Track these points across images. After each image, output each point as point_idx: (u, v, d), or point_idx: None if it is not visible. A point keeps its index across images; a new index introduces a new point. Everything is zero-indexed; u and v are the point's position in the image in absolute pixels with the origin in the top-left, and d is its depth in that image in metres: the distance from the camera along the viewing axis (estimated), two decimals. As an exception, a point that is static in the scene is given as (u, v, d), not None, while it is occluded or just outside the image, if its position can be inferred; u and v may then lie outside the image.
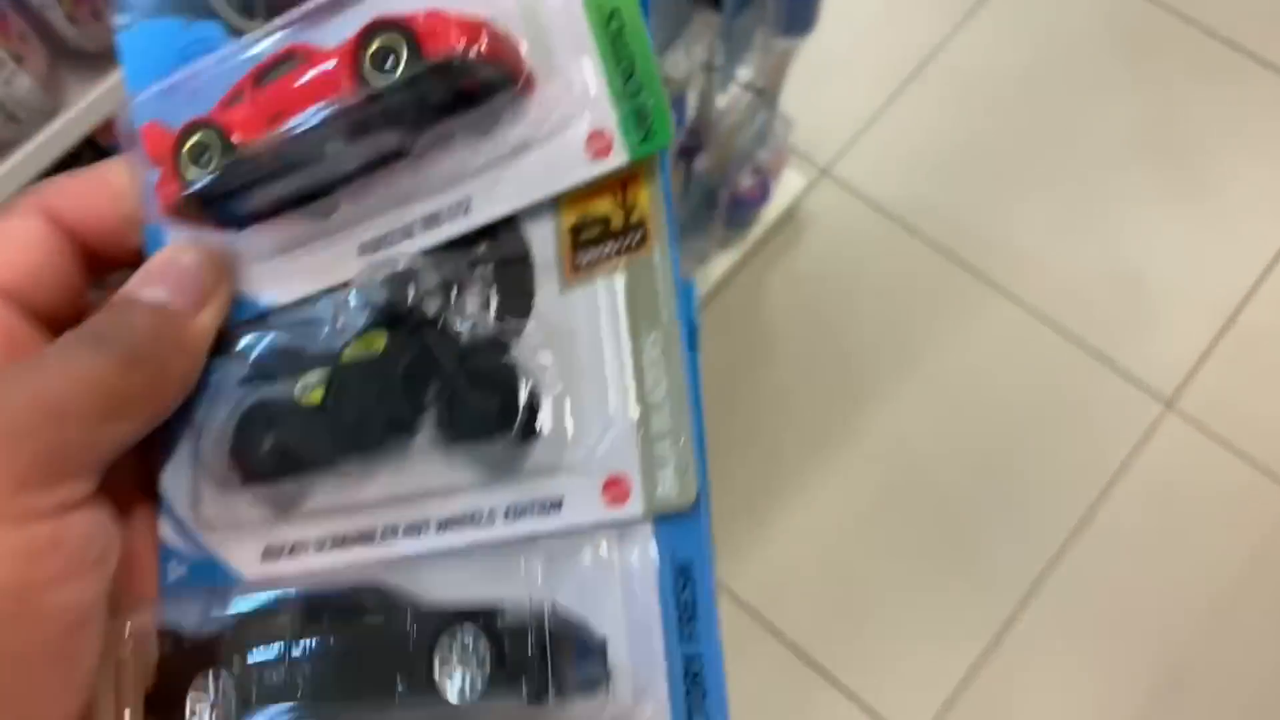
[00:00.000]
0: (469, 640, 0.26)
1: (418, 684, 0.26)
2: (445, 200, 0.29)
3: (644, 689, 0.26)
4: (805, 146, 1.58)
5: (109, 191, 0.31)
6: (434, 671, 0.26)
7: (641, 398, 0.27)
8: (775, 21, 1.20)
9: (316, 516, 0.30)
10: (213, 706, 0.27)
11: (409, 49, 0.27)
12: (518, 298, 0.29)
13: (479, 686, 0.26)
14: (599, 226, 0.28)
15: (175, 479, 0.31)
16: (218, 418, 0.30)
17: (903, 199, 1.60)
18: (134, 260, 0.31)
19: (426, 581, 0.28)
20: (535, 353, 0.28)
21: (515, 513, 0.28)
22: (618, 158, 0.28)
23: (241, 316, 0.31)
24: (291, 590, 0.29)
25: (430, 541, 0.28)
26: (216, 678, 0.27)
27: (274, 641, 0.27)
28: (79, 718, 0.26)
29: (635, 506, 0.27)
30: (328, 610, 0.28)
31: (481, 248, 0.29)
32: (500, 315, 0.29)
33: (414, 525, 0.29)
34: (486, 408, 0.28)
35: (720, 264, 1.52)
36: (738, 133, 1.35)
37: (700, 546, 0.27)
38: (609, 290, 0.28)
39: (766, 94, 1.37)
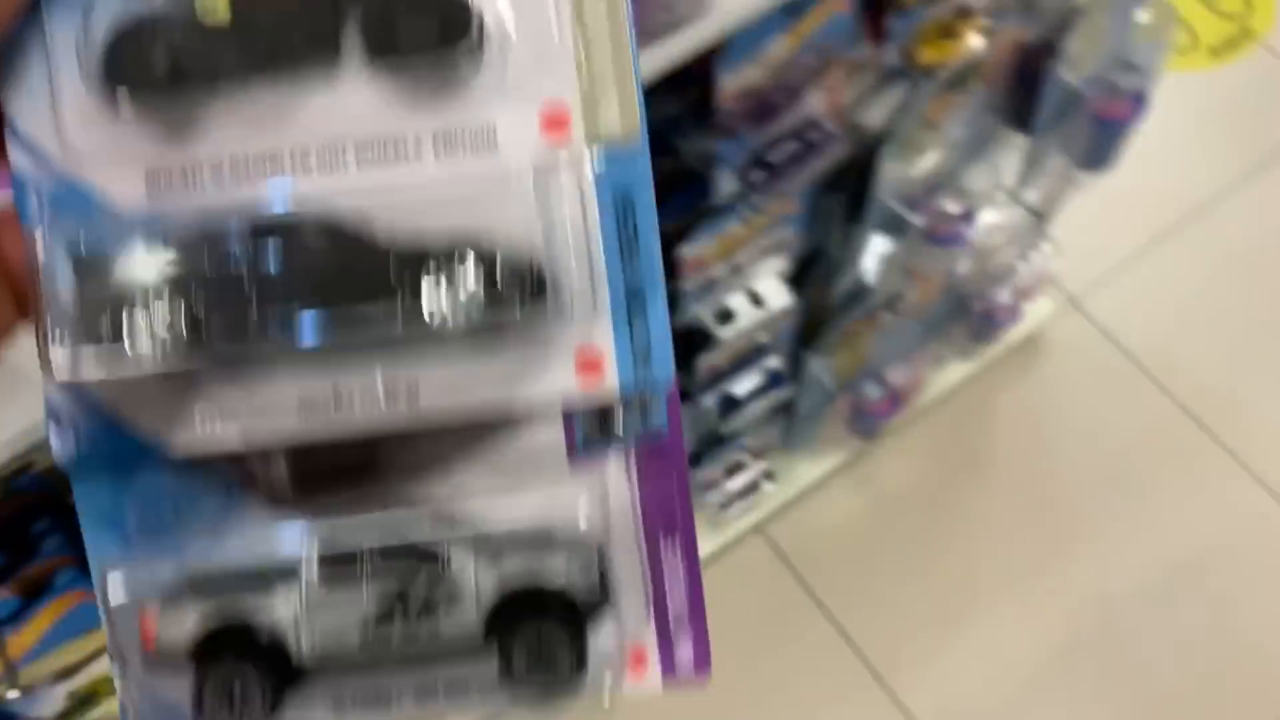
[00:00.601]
0: (460, 263, 0.27)
1: (404, 306, 0.26)
2: None
3: (589, 311, 0.28)
4: (1058, 273, 1.56)
5: None
6: (423, 290, 0.27)
7: (582, 29, 0.27)
8: (1077, 155, 1.21)
9: (208, 140, 0.28)
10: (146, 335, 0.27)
11: None
12: None
13: (476, 304, 0.26)
14: None
15: (26, 99, 0.28)
16: (80, 28, 0.27)
17: (1150, 347, 1.56)
18: None
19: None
20: None
21: (446, 143, 0.27)
22: None
23: None
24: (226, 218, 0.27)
25: (350, 176, 0.27)
26: (149, 304, 0.27)
27: (226, 258, 0.27)
28: None
29: (577, 141, 0.27)
30: (281, 231, 0.27)
31: None
32: None
33: (329, 147, 0.27)
34: (427, 19, 0.27)
35: (953, 372, 1.51)
36: (1004, 249, 1.35)
37: (643, 179, 0.27)
38: None
39: (1042, 217, 1.37)
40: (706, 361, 1.17)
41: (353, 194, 0.27)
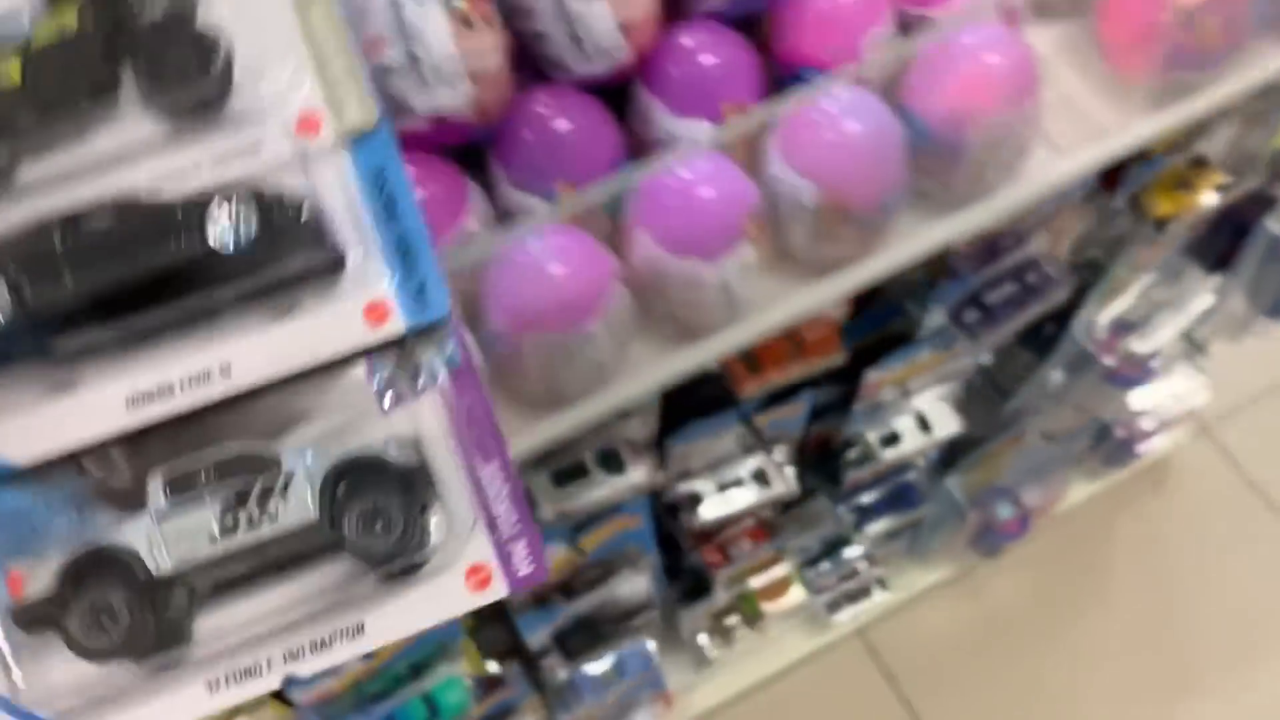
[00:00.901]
0: (236, 204, 0.32)
1: (193, 240, 0.31)
2: None
3: (366, 264, 0.33)
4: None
5: None
6: (207, 228, 0.31)
7: (315, 51, 0.33)
8: (1264, 301, 1.15)
9: (30, 196, 0.32)
10: None
11: None
12: None
13: (250, 235, 0.31)
14: None
15: None
16: None
17: (1280, 485, 1.50)
18: None
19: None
20: (215, 21, 0.33)
21: (216, 162, 0.33)
22: None
23: None
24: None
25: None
26: None
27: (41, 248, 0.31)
28: None
29: (328, 135, 0.33)
30: (81, 219, 0.31)
31: None
32: None
33: (122, 191, 0.32)
34: (185, 57, 0.32)
35: (1077, 490, 1.45)
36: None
37: (389, 153, 0.33)
38: None
39: (1200, 350, 1.31)
40: (854, 475, 1.12)
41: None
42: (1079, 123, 0.71)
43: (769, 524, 1.14)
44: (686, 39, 0.66)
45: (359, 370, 0.34)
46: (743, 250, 0.61)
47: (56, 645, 0.32)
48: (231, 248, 0.32)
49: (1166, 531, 1.48)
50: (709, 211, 0.61)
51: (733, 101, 0.65)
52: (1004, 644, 1.42)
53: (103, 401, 0.32)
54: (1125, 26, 0.70)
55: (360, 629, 0.33)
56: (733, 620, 1.31)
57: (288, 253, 0.33)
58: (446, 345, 0.34)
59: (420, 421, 0.34)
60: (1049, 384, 1.11)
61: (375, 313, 0.33)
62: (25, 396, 0.32)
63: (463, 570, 0.34)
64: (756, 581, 1.25)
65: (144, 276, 0.32)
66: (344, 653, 0.33)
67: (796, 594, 1.30)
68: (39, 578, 0.32)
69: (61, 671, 0.32)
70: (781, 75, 0.68)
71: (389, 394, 0.34)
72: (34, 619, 0.31)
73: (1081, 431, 1.27)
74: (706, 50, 0.65)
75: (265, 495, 0.32)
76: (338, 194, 0.34)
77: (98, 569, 0.32)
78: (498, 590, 0.34)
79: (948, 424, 1.07)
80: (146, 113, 0.33)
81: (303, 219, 0.33)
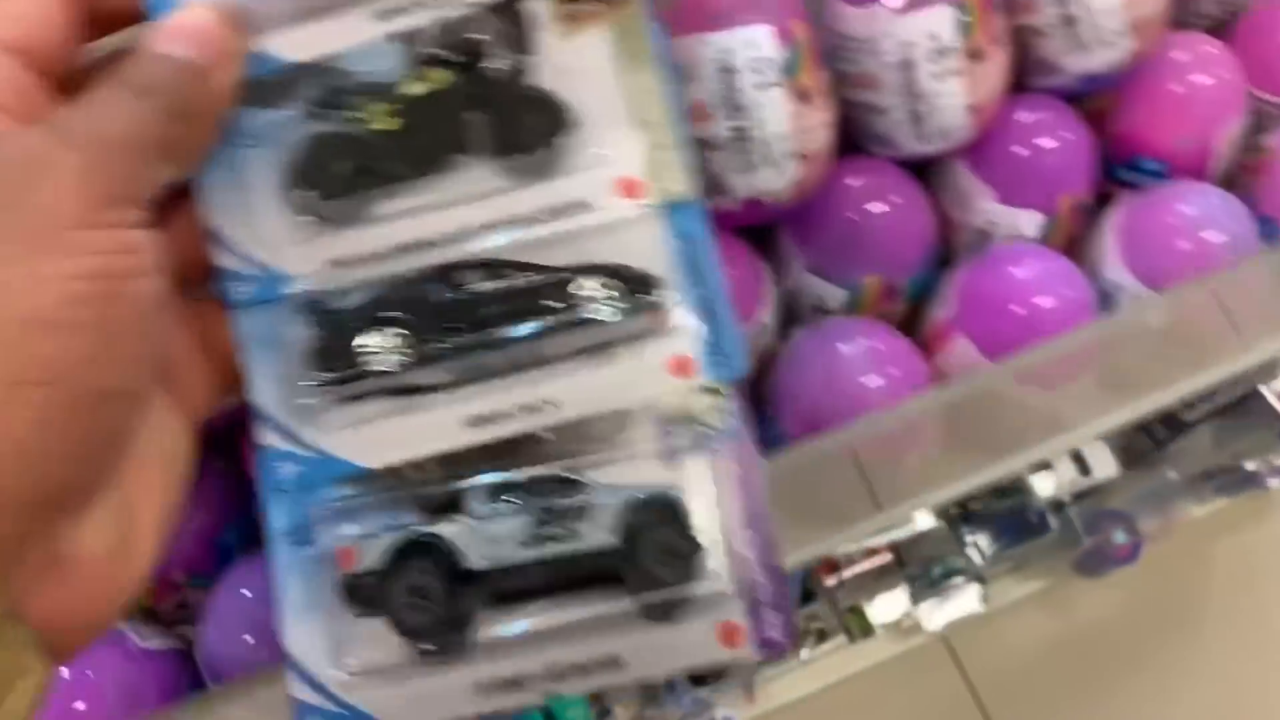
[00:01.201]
0: (599, 279, 0.36)
1: (565, 308, 0.36)
2: None
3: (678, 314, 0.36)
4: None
5: None
6: (577, 299, 0.36)
7: (641, 118, 0.36)
8: None
9: (374, 229, 0.36)
10: (387, 354, 0.36)
11: None
12: (523, 43, 0.37)
13: (619, 307, 0.36)
14: None
15: (227, 212, 0.36)
16: (272, 151, 0.36)
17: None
18: (132, 18, 0.35)
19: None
20: (546, 85, 0.37)
21: (548, 213, 0.36)
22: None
23: (261, 72, 0.36)
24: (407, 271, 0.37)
25: (481, 242, 0.36)
26: (386, 328, 0.36)
27: (426, 294, 0.36)
28: (150, 381, 0.33)
29: (650, 199, 0.36)
30: (454, 270, 0.36)
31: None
32: (511, 54, 0.36)
33: (462, 231, 0.36)
34: (539, 121, 0.36)
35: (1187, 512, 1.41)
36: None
37: (700, 221, 0.36)
38: (601, 37, 0.36)
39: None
40: (997, 505, 1.07)
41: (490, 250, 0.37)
42: None
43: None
44: (1026, 117, 0.57)
45: (651, 416, 0.37)
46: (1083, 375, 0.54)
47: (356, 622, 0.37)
48: (603, 319, 0.36)
49: (1267, 561, 1.45)
50: (1048, 322, 0.54)
51: (1070, 193, 0.57)
52: (1089, 662, 1.40)
53: (446, 421, 0.37)
54: None
55: (617, 661, 0.36)
56: (830, 625, 1.28)
57: (635, 321, 0.36)
58: (731, 410, 0.37)
59: (697, 477, 0.37)
60: (1218, 436, 1.05)
61: (679, 366, 0.36)
62: (378, 412, 0.37)
63: (716, 624, 0.36)
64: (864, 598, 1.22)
65: (511, 332, 0.36)
66: (599, 681, 0.36)
67: (900, 603, 1.27)
68: (368, 555, 0.36)
69: (361, 642, 0.37)
70: (1114, 160, 0.59)
71: (672, 444, 0.37)
72: (361, 588, 0.37)
73: (1221, 472, 1.22)
74: (1047, 133, 0.57)
75: (571, 515, 0.37)
76: (653, 256, 0.36)
77: (420, 554, 0.37)
78: (746, 651, 0.36)
79: (1106, 467, 1.03)
80: (488, 164, 0.37)
81: (651, 294, 0.36)
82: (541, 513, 0.36)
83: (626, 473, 0.37)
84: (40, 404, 0.28)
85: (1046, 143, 0.57)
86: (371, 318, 0.36)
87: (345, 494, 0.37)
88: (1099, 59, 0.56)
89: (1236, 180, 0.60)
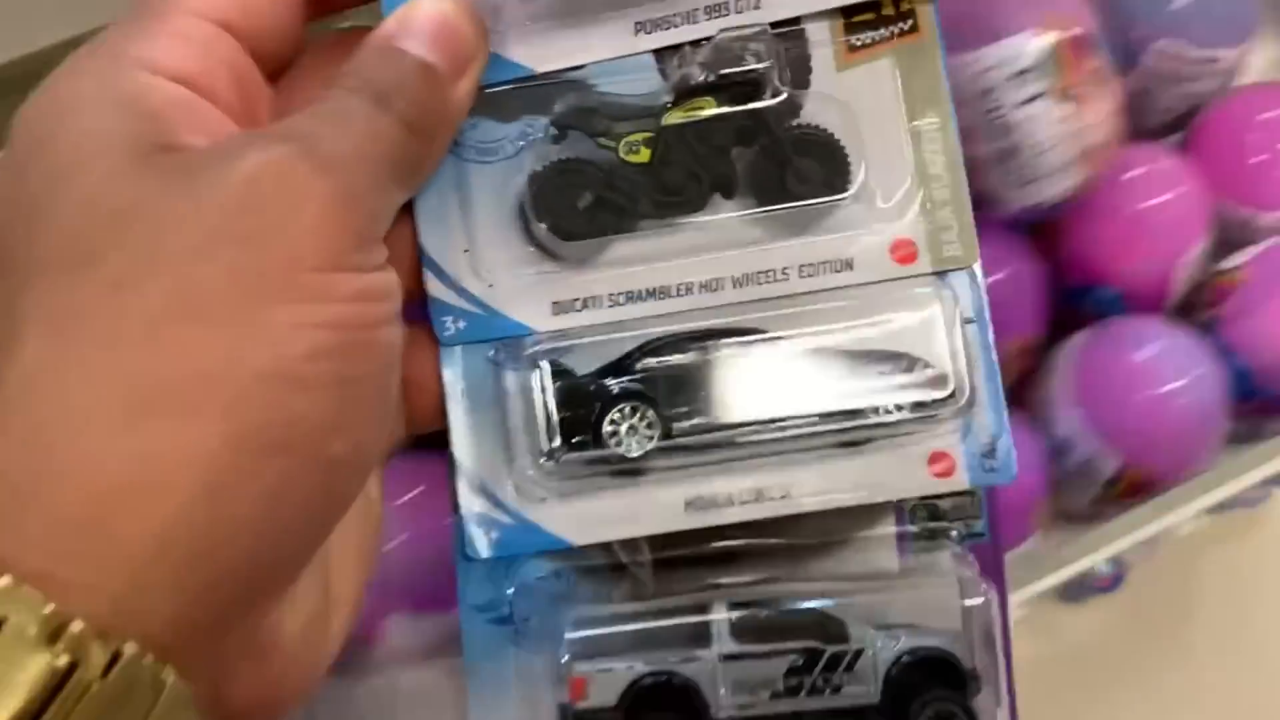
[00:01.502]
0: (886, 369, 0.32)
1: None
2: None
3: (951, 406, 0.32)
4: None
5: None
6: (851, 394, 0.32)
7: (922, 170, 0.32)
8: None
9: (609, 270, 0.32)
10: (633, 436, 0.31)
11: None
12: (797, 72, 0.32)
13: (905, 410, 0.31)
14: (871, 12, 0.32)
15: (437, 237, 0.32)
16: (495, 173, 0.32)
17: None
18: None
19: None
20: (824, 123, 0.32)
21: (809, 271, 0.32)
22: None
23: (501, 79, 0.31)
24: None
25: (726, 296, 0.32)
26: (634, 406, 0.31)
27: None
28: (386, 444, 0.30)
29: (923, 265, 0.32)
30: (710, 338, 0.32)
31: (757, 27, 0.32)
32: (785, 86, 0.32)
33: (709, 282, 0.32)
34: (817, 170, 0.32)
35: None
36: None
37: (979, 299, 0.32)
38: (883, 69, 0.32)
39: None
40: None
41: (737, 309, 0.32)
42: None
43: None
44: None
45: (889, 523, 0.34)
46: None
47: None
48: (887, 417, 0.31)
49: (1255, 577, 1.42)
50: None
51: (1019, 336, 0.53)
52: (1077, 684, 1.37)
53: (665, 500, 0.32)
54: None
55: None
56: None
57: (917, 424, 0.32)
58: (979, 516, 0.33)
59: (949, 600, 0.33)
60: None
61: (939, 463, 0.32)
62: (593, 485, 0.32)
63: None
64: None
65: (768, 422, 0.32)
66: None
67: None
68: (601, 688, 0.32)
69: None
70: (1068, 287, 0.55)
71: (911, 554, 0.33)
72: None
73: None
74: (993, 268, 0.52)
75: (832, 665, 0.32)
76: (928, 336, 0.32)
77: (661, 696, 0.33)
78: None
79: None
80: (749, 210, 0.32)
81: (938, 393, 0.31)
82: (799, 660, 0.32)
83: (886, 607, 0.33)
84: (276, 475, 0.24)
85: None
86: (620, 390, 0.32)
87: (547, 571, 0.33)
88: (1046, 192, 0.51)
89: (1199, 305, 0.56)
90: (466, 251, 0.32)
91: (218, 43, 0.28)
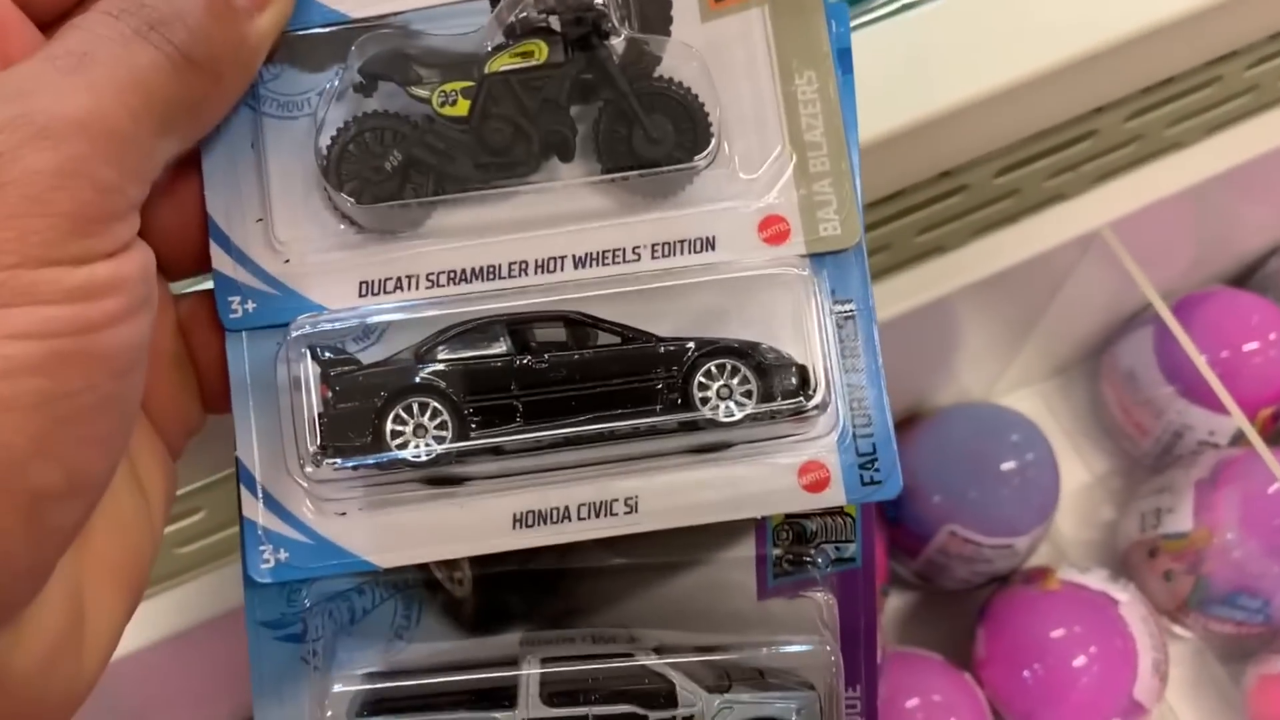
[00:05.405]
0: (729, 368, 0.27)
1: (683, 400, 0.27)
2: None
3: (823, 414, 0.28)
4: None
5: None
6: (693, 390, 0.27)
7: (797, 136, 0.27)
8: None
9: (428, 245, 0.28)
10: (420, 441, 0.27)
11: None
12: (656, 19, 0.28)
13: (748, 409, 0.27)
14: None
15: (227, 201, 0.27)
16: (297, 130, 0.27)
17: None
18: None
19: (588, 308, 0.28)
20: (683, 78, 0.27)
21: (663, 250, 0.27)
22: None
23: (309, 23, 0.27)
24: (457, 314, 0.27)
25: (566, 276, 0.27)
26: (423, 402, 0.27)
27: (490, 360, 0.26)
28: (116, 465, 0.24)
29: (795, 247, 0.27)
30: (526, 326, 0.27)
31: None
32: (640, 34, 0.27)
33: (546, 261, 0.27)
34: (669, 130, 0.27)
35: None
36: None
37: (862, 286, 0.27)
38: (754, 21, 0.27)
39: None
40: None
41: (576, 290, 0.27)
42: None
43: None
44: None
45: (749, 541, 0.30)
46: None
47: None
48: (727, 419, 0.27)
49: None
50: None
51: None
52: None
53: (490, 515, 0.28)
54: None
55: None
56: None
57: (767, 426, 0.28)
58: (853, 539, 0.30)
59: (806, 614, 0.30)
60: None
61: (810, 474, 0.28)
62: (400, 498, 0.28)
63: None
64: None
65: (593, 428, 0.27)
66: None
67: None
68: None
69: None
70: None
71: (771, 578, 0.30)
72: None
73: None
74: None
75: None
76: (795, 325, 0.28)
77: None
78: None
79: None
80: (592, 175, 0.28)
81: (793, 385, 0.27)
82: None
83: (722, 647, 0.29)
84: None
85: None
86: (408, 385, 0.27)
87: (349, 586, 0.29)
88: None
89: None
90: (260, 221, 0.28)
91: None
